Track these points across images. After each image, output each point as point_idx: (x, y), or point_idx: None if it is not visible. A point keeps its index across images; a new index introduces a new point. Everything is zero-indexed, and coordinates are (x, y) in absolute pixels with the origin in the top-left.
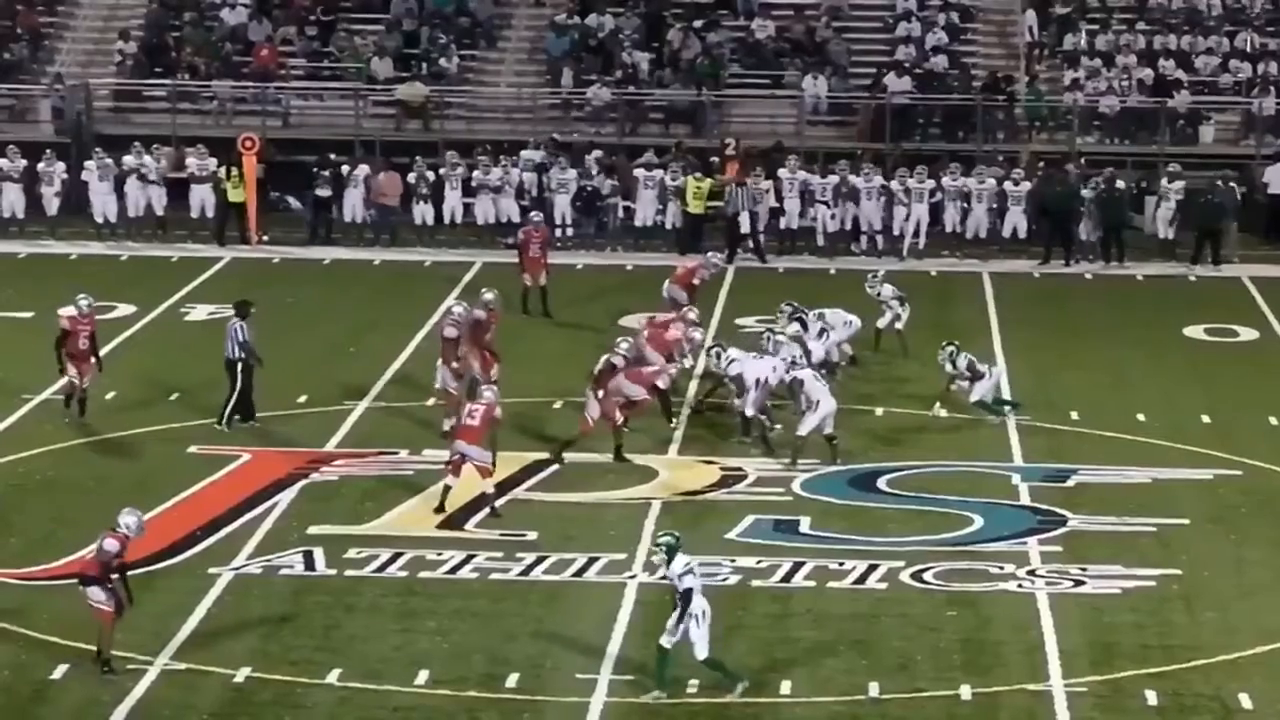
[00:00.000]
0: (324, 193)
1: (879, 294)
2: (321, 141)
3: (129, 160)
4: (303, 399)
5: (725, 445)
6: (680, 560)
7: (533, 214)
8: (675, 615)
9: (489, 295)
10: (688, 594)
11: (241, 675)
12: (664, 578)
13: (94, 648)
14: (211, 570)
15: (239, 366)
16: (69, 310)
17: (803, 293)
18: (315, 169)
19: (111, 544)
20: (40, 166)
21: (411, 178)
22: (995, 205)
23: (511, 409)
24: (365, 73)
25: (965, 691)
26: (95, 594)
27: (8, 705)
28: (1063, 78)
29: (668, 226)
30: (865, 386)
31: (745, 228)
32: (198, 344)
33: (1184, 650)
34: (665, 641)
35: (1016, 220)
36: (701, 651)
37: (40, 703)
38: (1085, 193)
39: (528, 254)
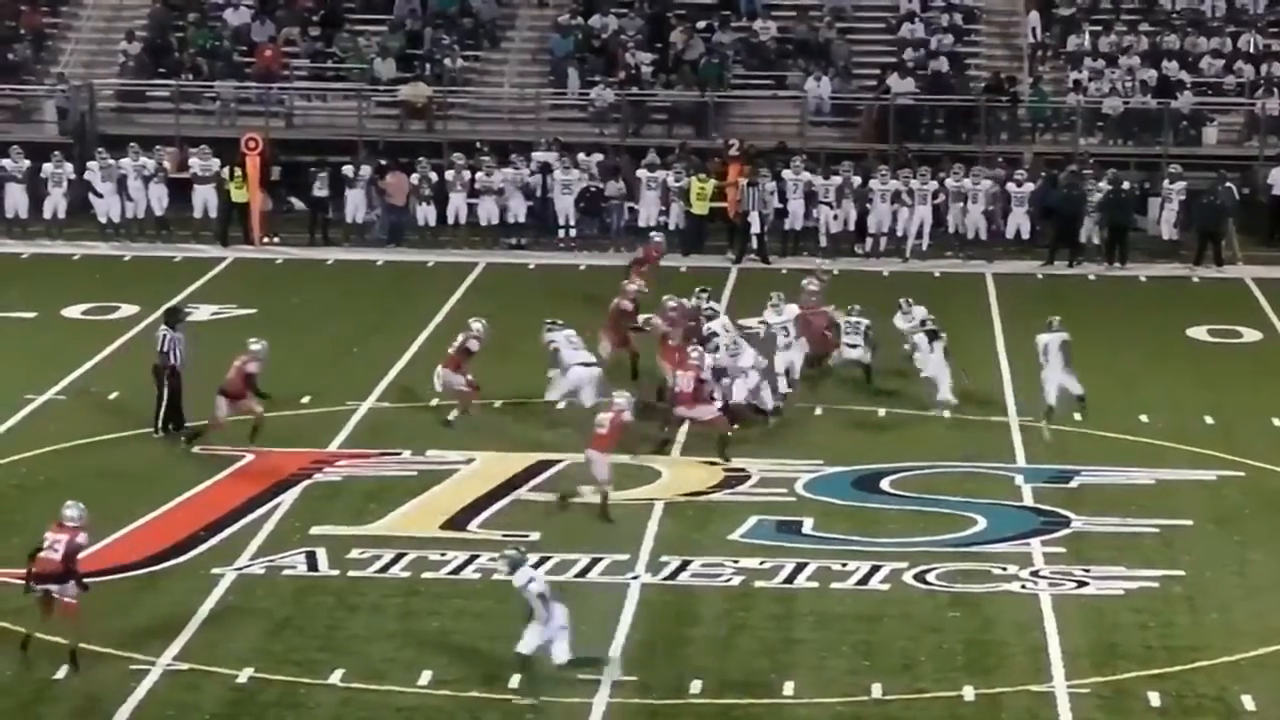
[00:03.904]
0: (321, 193)
1: (910, 319)
2: (325, 142)
3: (126, 162)
4: (306, 399)
5: (728, 446)
6: (523, 573)
7: (654, 234)
8: (531, 623)
9: (478, 325)
10: (542, 600)
11: (244, 675)
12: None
13: (93, 647)
14: (214, 570)
15: (165, 373)
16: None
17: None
18: (312, 169)
19: (84, 538)
20: (48, 168)
21: (415, 178)
22: (993, 206)
23: (514, 408)
24: (369, 73)
25: (968, 692)
26: (71, 590)
27: (10, 705)
28: (1066, 79)
29: (671, 227)
30: (867, 388)
31: (755, 228)
32: (201, 344)
33: (1187, 651)
34: (523, 649)
35: (1020, 221)
36: (561, 657)
37: (42, 703)
38: (1091, 194)
39: (640, 269)
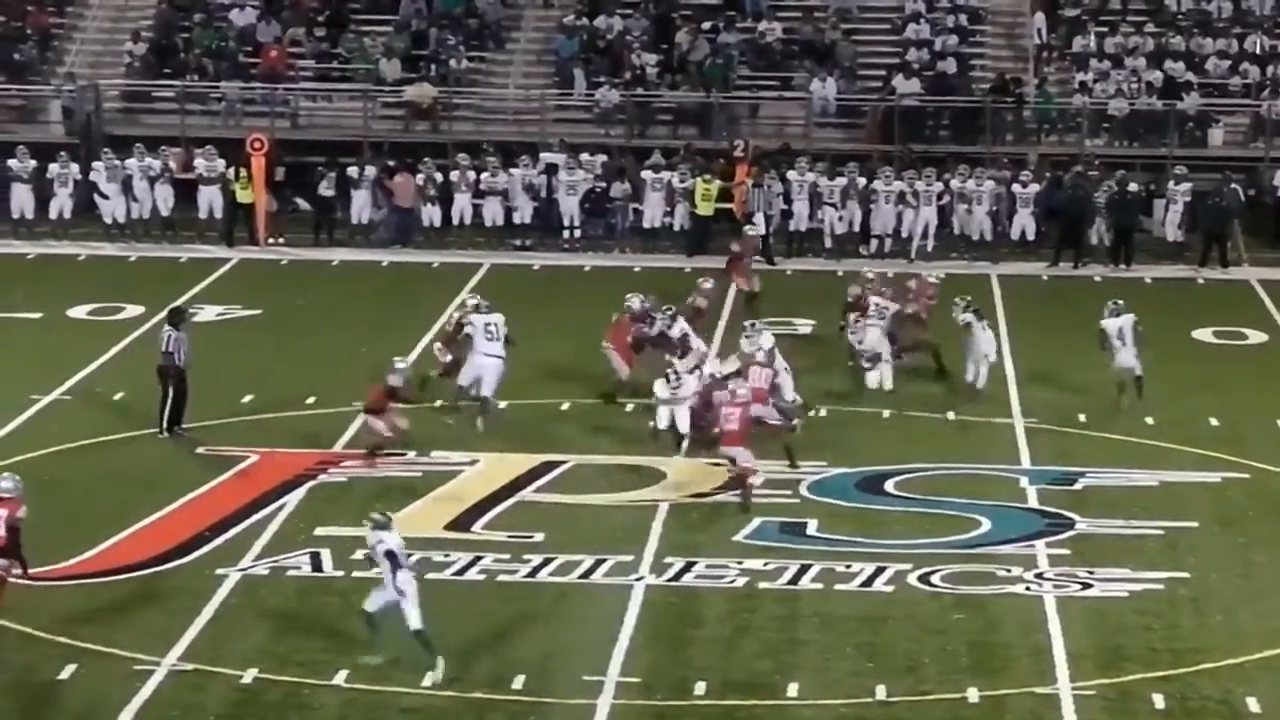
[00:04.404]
0: (327, 193)
1: (963, 320)
2: (330, 143)
3: (131, 162)
4: (311, 400)
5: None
6: (374, 535)
7: (747, 227)
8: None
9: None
10: (390, 559)
11: (249, 676)
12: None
13: (97, 647)
14: (219, 571)
15: (170, 373)
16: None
17: (810, 295)
18: (319, 169)
19: (23, 511)
20: (54, 168)
21: (420, 179)
22: (996, 208)
23: (519, 411)
24: (374, 74)
25: (972, 694)
26: (2, 563)
27: (15, 706)
28: (1071, 80)
29: (676, 228)
30: (870, 389)
31: (762, 229)
32: (206, 345)
33: (1191, 653)
34: (368, 606)
35: (1025, 222)
36: (416, 623)
37: (47, 703)
38: (1098, 195)
39: (739, 264)
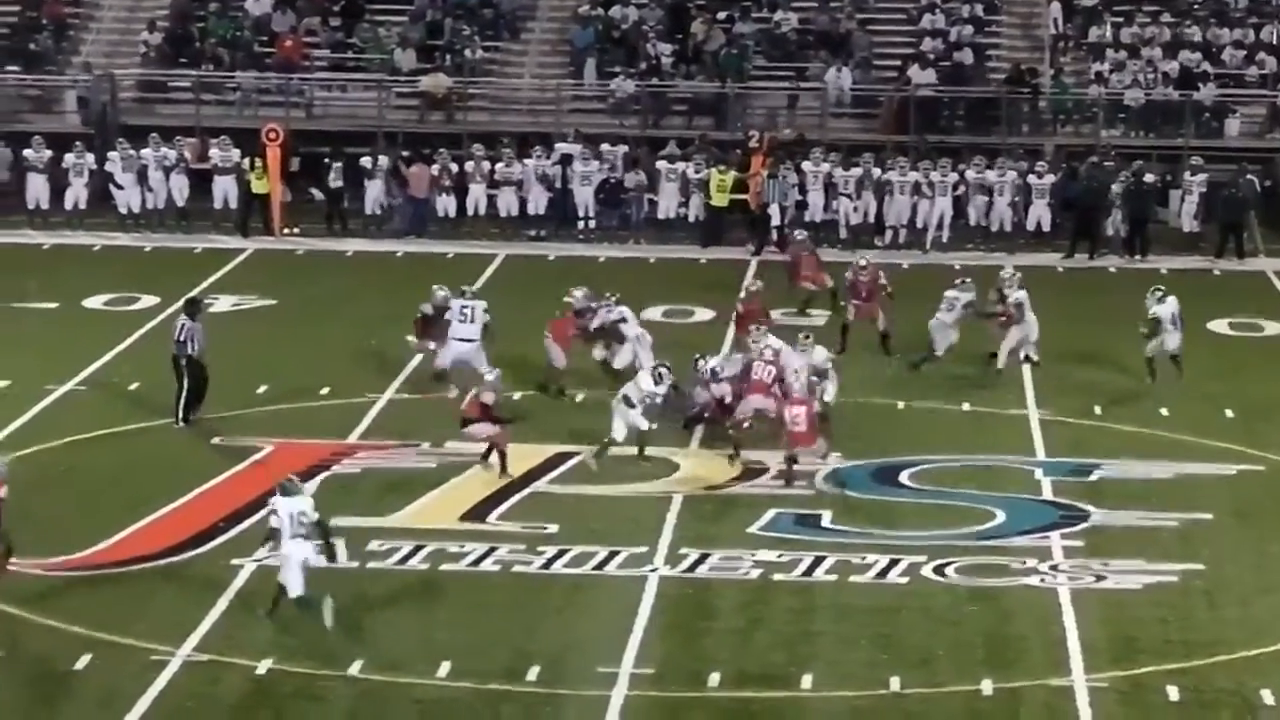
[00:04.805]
0: (336, 183)
1: (1011, 296)
2: (345, 133)
3: (147, 152)
4: (325, 390)
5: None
6: (275, 499)
7: (797, 233)
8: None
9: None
10: (291, 521)
11: (263, 667)
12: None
13: (113, 638)
14: (234, 561)
15: (182, 363)
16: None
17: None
18: (326, 160)
19: (4, 491)
20: (69, 158)
21: (435, 169)
22: (1018, 198)
23: (534, 402)
24: (389, 64)
25: (987, 686)
26: None
27: (31, 695)
28: (1087, 70)
29: (691, 219)
30: (887, 380)
31: (776, 220)
32: (221, 335)
33: (1206, 645)
34: (291, 592)
35: (1041, 213)
36: (294, 590)
37: (63, 693)
38: (1114, 186)
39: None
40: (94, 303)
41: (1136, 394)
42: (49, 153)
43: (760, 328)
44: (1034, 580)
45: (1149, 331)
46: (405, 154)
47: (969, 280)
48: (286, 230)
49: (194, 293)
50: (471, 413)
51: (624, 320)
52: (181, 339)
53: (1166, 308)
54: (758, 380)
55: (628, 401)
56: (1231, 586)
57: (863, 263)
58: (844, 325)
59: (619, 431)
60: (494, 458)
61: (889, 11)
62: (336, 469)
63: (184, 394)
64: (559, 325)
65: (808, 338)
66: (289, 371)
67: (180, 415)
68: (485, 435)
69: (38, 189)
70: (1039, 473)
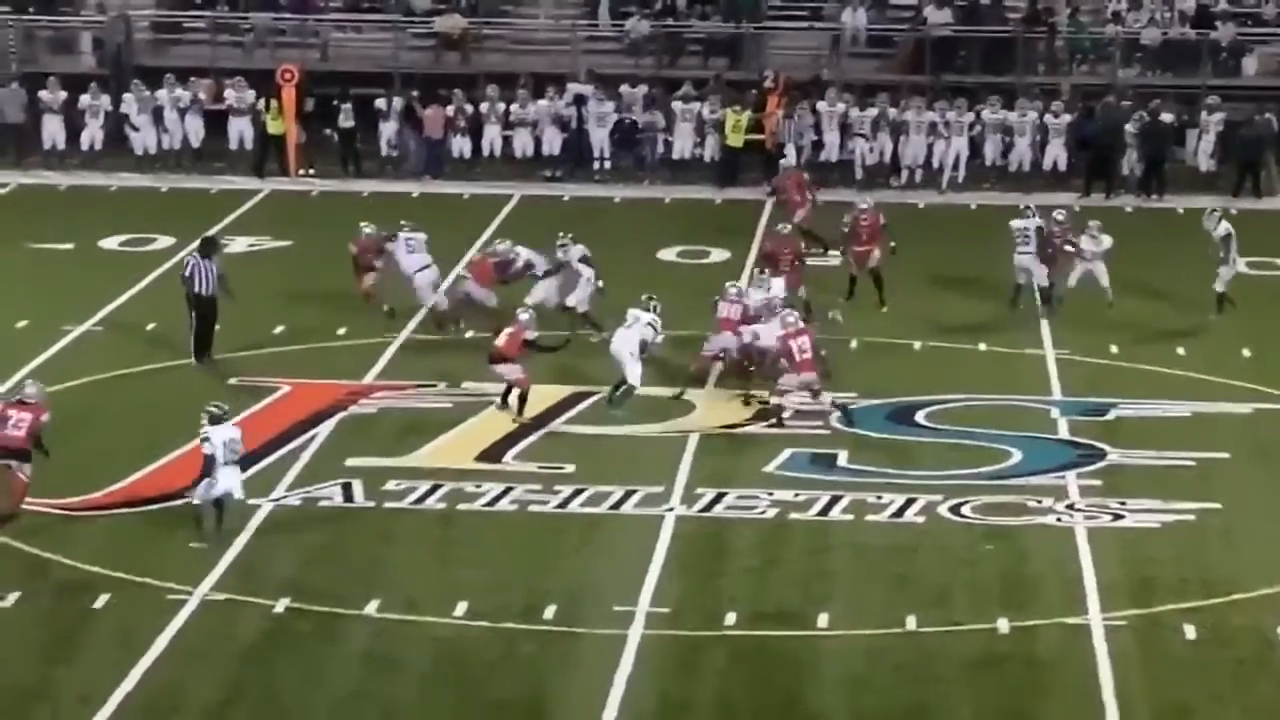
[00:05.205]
0: (347, 124)
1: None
2: (359, 74)
3: (162, 93)
4: (342, 331)
5: (761, 380)
6: (207, 429)
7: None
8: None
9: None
10: (210, 460)
11: (280, 606)
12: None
13: (130, 576)
14: (251, 501)
15: (190, 301)
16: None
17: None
18: (335, 101)
19: (46, 416)
20: (85, 99)
21: (450, 110)
22: (1037, 138)
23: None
24: (404, 4)
25: (1003, 625)
26: (27, 469)
27: (49, 635)
28: (1104, 9)
29: (706, 160)
30: (901, 320)
31: (792, 160)
32: (237, 276)
33: (1223, 584)
34: (194, 498)
35: (1057, 153)
36: (199, 496)
37: (81, 632)
38: (1128, 126)
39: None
40: (110, 243)
41: (1154, 333)
42: (64, 94)
43: (765, 272)
44: (1050, 519)
45: (1222, 256)
46: (413, 94)
47: (1031, 207)
48: (302, 171)
49: (211, 233)
50: (511, 350)
51: (575, 261)
52: (188, 274)
53: (1221, 229)
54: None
55: (643, 348)
56: (1248, 525)
57: (864, 205)
58: (851, 276)
59: (636, 377)
60: (513, 399)
61: None
62: (354, 409)
63: (201, 331)
64: (480, 268)
65: (763, 272)
66: (305, 312)
67: (196, 354)
68: (512, 377)
69: (53, 130)
70: (1055, 412)
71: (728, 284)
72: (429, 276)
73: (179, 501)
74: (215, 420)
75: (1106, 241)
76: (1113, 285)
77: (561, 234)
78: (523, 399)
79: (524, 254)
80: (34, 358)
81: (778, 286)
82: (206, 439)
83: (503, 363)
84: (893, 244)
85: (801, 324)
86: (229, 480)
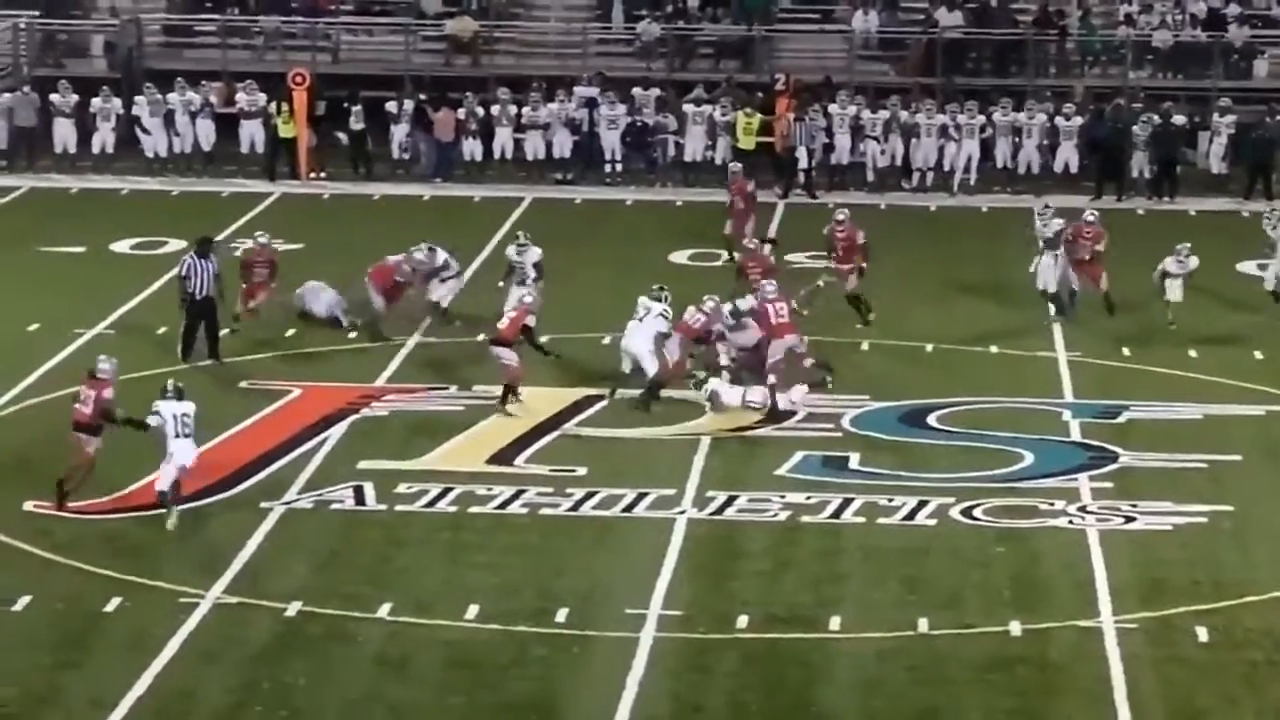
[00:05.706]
0: (357, 126)
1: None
2: (371, 77)
3: (173, 96)
4: (353, 334)
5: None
6: (158, 402)
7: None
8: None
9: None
10: (176, 421)
11: (292, 609)
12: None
13: (143, 580)
14: (263, 504)
15: (183, 301)
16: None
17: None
18: (346, 104)
19: (110, 392)
20: (96, 103)
21: (461, 113)
22: (1046, 141)
23: (561, 345)
24: (415, 7)
25: (1015, 627)
26: (95, 442)
27: (61, 638)
28: (1115, 12)
29: (717, 162)
30: (913, 323)
31: (804, 163)
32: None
33: (1235, 586)
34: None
35: (1068, 155)
36: (161, 484)
37: (93, 636)
38: (1138, 128)
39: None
40: (121, 247)
41: (1165, 335)
42: (76, 97)
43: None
44: (1062, 522)
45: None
46: (424, 97)
47: (1049, 207)
48: (313, 174)
49: (219, 237)
50: (511, 334)
51: (529, 264)
52: (184, 274)
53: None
54: (782, 322)
55: (658, 341)
56: (1261, 527)
57: (840, 216)
58: (847, 296)
59: (656, 372)
60: (511, 400)
61: None
62: (365, 412)
63: (215, 335)
64: (380, 272)
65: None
66: (317, 315)
67: (214, 354)
68: (507, 362)
69: (65, 134)
70: (1067, 414)
71: (705, 297)
72: (452, 286)
73: (191, 505)
74: (170, 395)
75: (1193, 263)
76: (1124, 287)
77: (520, 233)
78: (510, 389)
79: (441, 255)
80: (45, 361)
81: (750, 302)
82: (156, 412)
83: (502, 346)
84: (863, 265)
85: (780, 293)
86: (184, 454)
